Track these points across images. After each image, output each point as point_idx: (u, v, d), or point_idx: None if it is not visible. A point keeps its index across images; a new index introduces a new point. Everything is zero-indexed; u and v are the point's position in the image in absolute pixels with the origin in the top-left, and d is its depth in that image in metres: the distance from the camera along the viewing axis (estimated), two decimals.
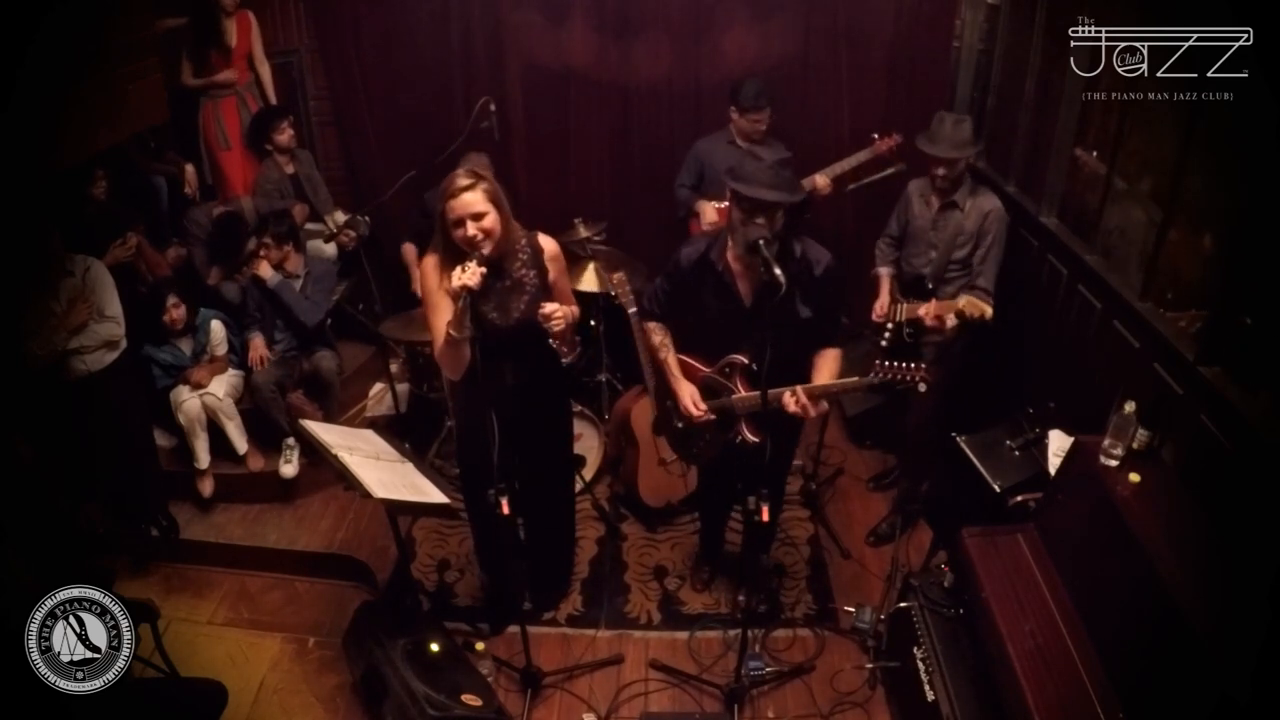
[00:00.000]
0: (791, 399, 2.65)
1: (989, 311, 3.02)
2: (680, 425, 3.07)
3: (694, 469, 3.78)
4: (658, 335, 2.99)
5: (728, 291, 2.77)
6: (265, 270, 3.99)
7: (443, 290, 2.61)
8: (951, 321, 3.07)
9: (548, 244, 2.78)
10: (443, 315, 2.61)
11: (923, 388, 2.59)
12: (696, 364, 2.94)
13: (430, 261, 2.68)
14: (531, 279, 2.74)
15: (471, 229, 2.53)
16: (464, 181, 2.53)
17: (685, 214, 4.23)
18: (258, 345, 4.03)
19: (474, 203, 2.53)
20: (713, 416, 2.89)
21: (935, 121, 3.37)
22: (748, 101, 3.90)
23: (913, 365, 2.57)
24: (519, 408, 2.77)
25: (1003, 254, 3.36)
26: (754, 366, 2.77)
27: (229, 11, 4.35)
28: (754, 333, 2.69)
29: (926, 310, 3.12)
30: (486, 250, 2.53)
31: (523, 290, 2.73)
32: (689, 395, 2.88)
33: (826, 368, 2.77)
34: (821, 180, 3.99)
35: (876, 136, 3.99)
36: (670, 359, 2.96)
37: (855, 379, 2.72)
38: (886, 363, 2.61)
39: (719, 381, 2.89)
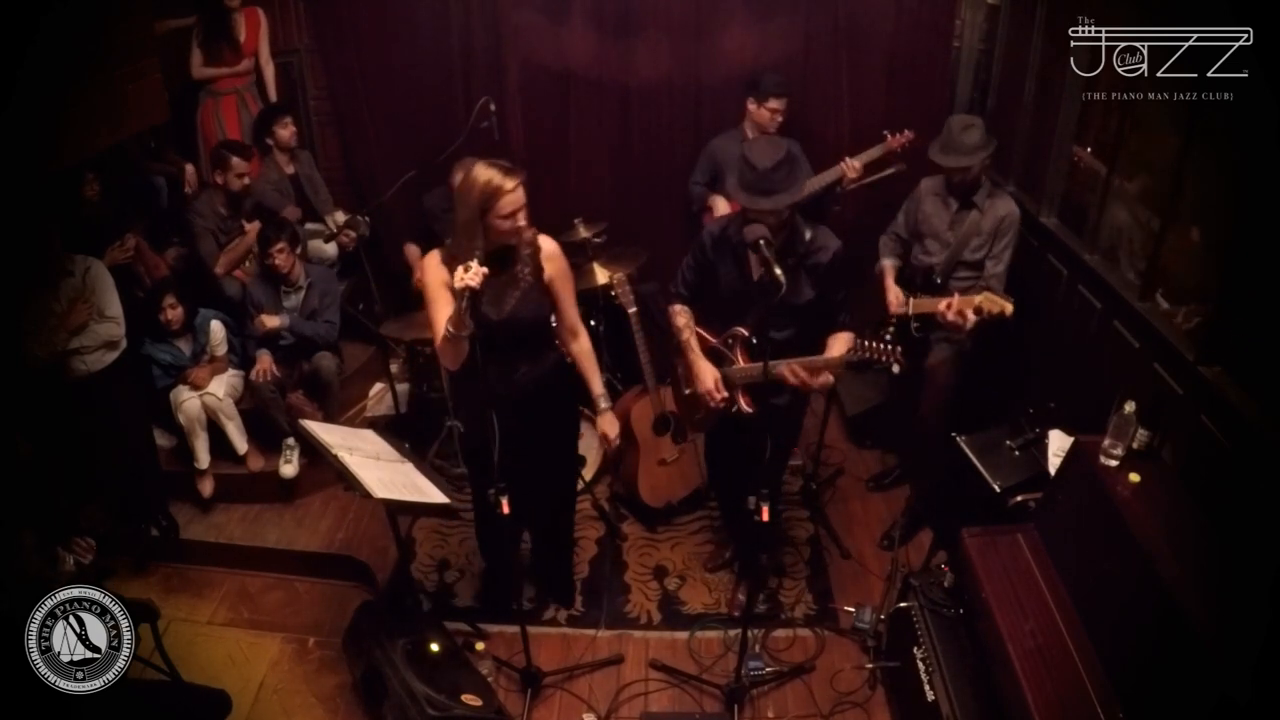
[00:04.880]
0: (788, 371, 2.76)
1: (1009, 308, 3.02)
2: (688, 391, 3.16)
3: (694, 468, 3.80)
4: (681, 318, 3.06)
5: (740, 266, 2.88)
6: (272, 323, 3.95)
7: (445, 285, 2.63)
8: (971, 319, 3.06)
9: (546, 243, 2.80)
10: (443, 310, 2.62)
11: (896, 369, 2.67)
12: (706, 335, 3.05)
13: (434, 257, 2.70)
14: (526, 276, 2.76)
15: (521, 220, 2.61)
16: (510, 181, 2.55)
17: (699, 209, 4.25)
18: (265, 362, 3.96)
19: (521, 197, 2.59)
20: (728, 400, 2.96)
21: (945, 129, 3.35)
22: (769, 88, 3.91)
23: (888, 347, 2.62)
24: (520, 405, 2.78)
25: (1013, 257, 3.36)
26: (754, 340, 2.88)
27: (237, 6, 4.37)
28: (756, 309, 2.80)
29: (949, 305, 3.09)
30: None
31: (516, 286, 2.75)
32: (712, 378, 2.94)
33: (835, 348, 2.82)
34: (851, 165, 3.91)
35: (887, 134, 3.99)
36: (692, 340, 3.03)
37: (830, 356, 2.78)
38: (864, 342, 2.67)
39: (722, 352, 3.00)
